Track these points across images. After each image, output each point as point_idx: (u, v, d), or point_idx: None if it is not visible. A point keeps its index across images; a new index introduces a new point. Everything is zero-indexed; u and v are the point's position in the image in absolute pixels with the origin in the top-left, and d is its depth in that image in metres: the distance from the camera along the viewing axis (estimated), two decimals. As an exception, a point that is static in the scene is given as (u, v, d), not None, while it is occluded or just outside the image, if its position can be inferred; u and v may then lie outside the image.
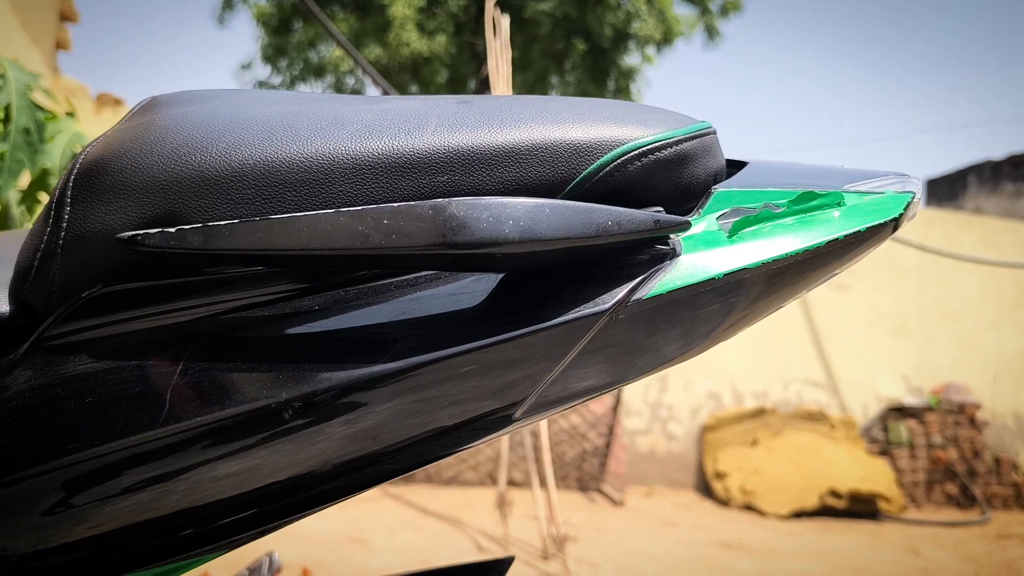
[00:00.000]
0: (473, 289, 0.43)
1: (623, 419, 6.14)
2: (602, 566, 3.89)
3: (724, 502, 5.96)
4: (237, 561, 0.96)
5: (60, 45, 5.29)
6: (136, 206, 0.42)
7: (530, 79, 11.25)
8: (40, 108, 2.12)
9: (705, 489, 6.31)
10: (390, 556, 3.71)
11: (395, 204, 0.39)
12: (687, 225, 0.43)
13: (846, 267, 0.49)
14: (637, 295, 0.42)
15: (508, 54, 4.97)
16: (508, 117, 0.45)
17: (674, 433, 6.45)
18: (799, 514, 5.73)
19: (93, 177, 0.42)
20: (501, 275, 0.44)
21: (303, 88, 13.16)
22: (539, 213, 0.38)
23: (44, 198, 2.40)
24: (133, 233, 0.40)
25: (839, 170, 0.52)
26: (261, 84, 13.14)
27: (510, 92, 4.88)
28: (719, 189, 0.48)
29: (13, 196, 2.42)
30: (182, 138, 0.43)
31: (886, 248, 6.81)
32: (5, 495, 0.42)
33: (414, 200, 0.42)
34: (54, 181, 2.11)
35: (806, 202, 0.47)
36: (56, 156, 2.10)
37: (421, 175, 0.42)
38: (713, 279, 0.43)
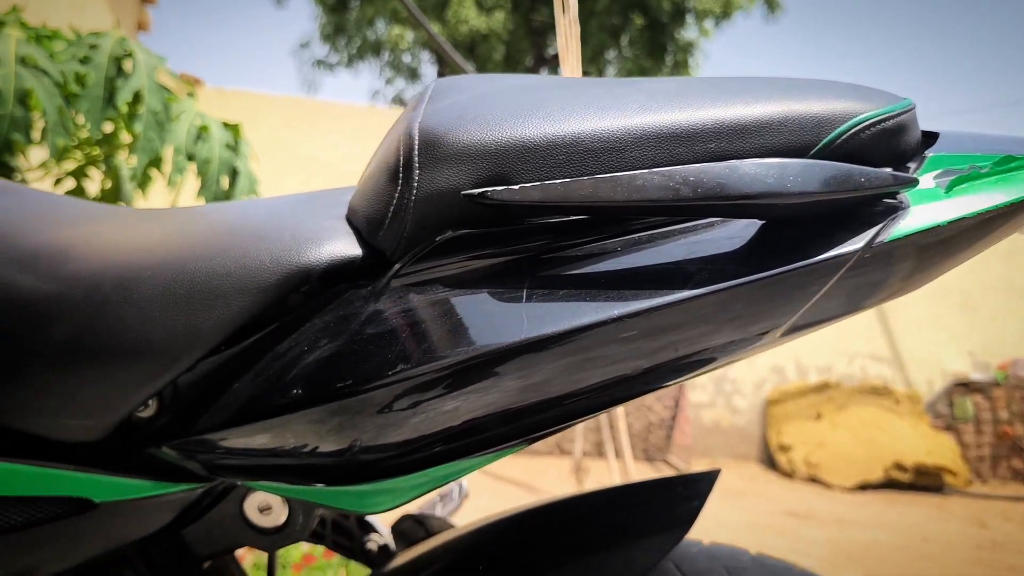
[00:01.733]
0: (744, 234, 0.52)
1: (688, 392, 6.23)
2: (676, 531, 4.00)
3: (788, 474, 6.02)
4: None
5: (141, 26, 5.50)
6: (473, 168, 0.51)
7: (587, 54, 11.25)
8: (166, 89, 2.26)
9: (769, 461, 6.38)
10: (472, 516, 3.86)
11: (697, 164, 0.48)
12: (915, 182, 0.51)
13: None
14: (880, 238, 0.50)
15: (577, 30, 5.03)
16: (759, 93, 0.54)
17: (738, 406, 6.52)
18: (864, 486, 5.78)
19: (435, 147, 0.51)
20: (763, 222, 0.52)
21: (361, 66, 13.32)
22: (811, 170, 0.48)
23: (155, 174, 2.54)
24: (482, 190, 0.49)
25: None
26: (319, 63, 13.34)
27: (579, 69, 4.94)
28: (931, 154, 0.56)
29: (125, 173, 2.58)
30: (503, 113, 0.53)
31: (953, 222, 6.75)
32: (364, 398, 0.51)
33: (689, 163, 0.50)
34: (181, 159, 2.24)
35: (1007, 164, 0.55)
36: (181, 135, 2.22)
37: (695, 142, 0.51)
38: (939, 226, 0.51)
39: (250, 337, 0.54)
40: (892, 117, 0.53)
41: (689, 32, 11.70)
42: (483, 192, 0.49)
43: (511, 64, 12.27)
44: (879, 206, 0.51)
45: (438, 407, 0.52)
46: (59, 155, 2.13)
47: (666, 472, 5.65)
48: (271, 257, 0.54)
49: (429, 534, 0.90)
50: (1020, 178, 0.54)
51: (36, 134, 1.97)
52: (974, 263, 6.98)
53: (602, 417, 4.32)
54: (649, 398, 5.90)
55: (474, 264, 0.52)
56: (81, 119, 2.12)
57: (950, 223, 0.52)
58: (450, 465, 0.56)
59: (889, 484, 5.85)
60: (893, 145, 0.54)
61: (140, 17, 5.28)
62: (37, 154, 2.24)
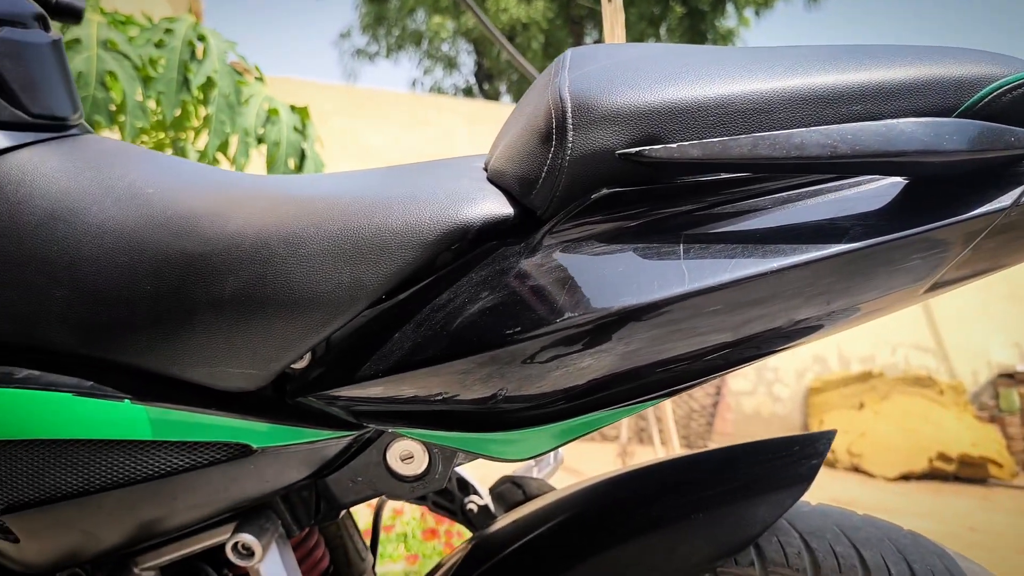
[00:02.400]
0: (890, 192, 0.54)
1: (729, 380, 6.23)
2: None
3: (831, 463, 6.00)
4: None
5: (193, 15, 5.61)
6: (627, 129, 0.53)
7: (627, 41, 11.22)
8: (237, 73, 2.32)
9: (810, 451, 6.36)
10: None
11: (854, 123, 0.50)
12: None
13: None
14: None
15: (622, 17, 5.04)
16: (899, 58, 0.55)
17: (779, 395, 6.52)
18: (907, 477, 5.74)
19: (589, 109, 0.54)
20: (907, 181, 0.54)
21: (400, 55, 13.42)
22: (964, 129, 0.50)
23: (220, 158, 2.61)
24: (638, 148, 0.52)
25: None
26: (360, 52, 13.45)
27: (625, 56, 4.97)
28: None
29: (192, 156, 2.65)
30: (653, 77, 0.55)
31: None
32: (514, 349, 0.54)
33: (832, 123, 0.52)
34: (251, 140, 2.30)
35: None
36: (251, 117, 2.28)
37: (841, 104, 0.53)
38: None
39: (407, 290, 0.58)
40: None
41: (730, 21, 11.63)
42: (640, 151, 0.51)
43: (550, 54, 12.26)
44: (1022, 166, 0.53)
45: (582, 360, 0.55)
46: (135, 136, 2.20)
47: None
48: (431, 215, 0.57)
49: (527, 496, 0.93)
50: None
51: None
52: (1021, 253, 6.89)
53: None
54: (690, 385, 5.94)
55: (628, 221, 0.54)
56: (153, 102, 2.19)
57: None
58: (589, 416, 0.58)
59: (933, 475, 5.80)
60: None
61: (193, 5, 5.38)
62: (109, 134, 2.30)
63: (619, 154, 0.52)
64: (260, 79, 2.45)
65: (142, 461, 0.62)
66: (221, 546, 0.66)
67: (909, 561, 0.67)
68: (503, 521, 0.79)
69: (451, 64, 14.17)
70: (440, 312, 0.56)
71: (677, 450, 3.92)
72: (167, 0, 4.63)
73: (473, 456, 0.65)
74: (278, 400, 0.62)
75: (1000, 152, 0.51)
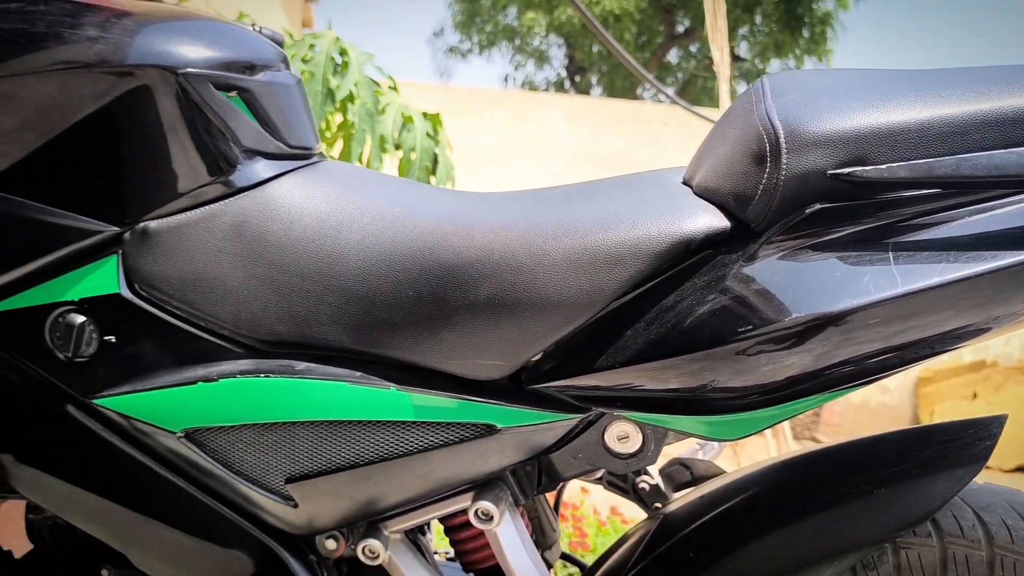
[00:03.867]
0: None
1: (834, 371, 6.16)
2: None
3: (942, 455, 5.87)
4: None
5: (305, 23, 5.85)
6: (836, 151, 0.60)
7: (720, 30, 11.06)
8: (375, 83, 2.46)
9: (920, 443, 6.22)
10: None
11: None
12: None
13: None
14: None
15: (723, 7, 5.04)
16: None
17: (888, 386, 6.39)
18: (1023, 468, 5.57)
19: (800, 134, 0.61)
20: None
21: (494, 51, 13.57)
22: None
23: (356, 162, 2.75)
24: (850, 169, 0.59)
25: None
26: (452, 50, 13.69)
27: (727, 45, 4.95)
28: None
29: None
30: (857, 104, 0.62)
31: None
32: (729, 347, 0.61)
33: (1020, 143, 0.58)
34: (388, 147, 2.43)
35: None
36: (388, 125, 2.43)
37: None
38: None
39: (635, 294, 0.67)
40: None
41: (827, 3, 11.34)
42: (851, 171, 0.59)
43: (640, 43, 12.21)
44: None
45: (788, 358, 0.62)
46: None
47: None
48: (659, 228, 0.66)
49: (694, 476, 0.99)
50: None
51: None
52: None
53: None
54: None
55: (839, 233, 0.61)
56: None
57: None
58: (788, 405, 0.65)
59: (1053, 468, 5.61)
60: None
61: (305, 15, 5.63)
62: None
63: (830, 174, 0.60)
64: (394, 88, 2.59)
65: (404, 439, 0.73)
66: (457, 513, 0.77)
67: None
68: (685, 499, 0.87)
69: (542, 59, 14.27)
70: (667, 313, 0.64)
71: (789, 441, 3.94)
72: (282, 8, 4.86)
73: (683, 436, 0.74)
74: (516, 387, 0.72)
75: None
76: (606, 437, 0.74)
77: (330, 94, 2.21)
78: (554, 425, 0.72)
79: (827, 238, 0.61)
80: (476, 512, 0.74)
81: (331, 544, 0.78)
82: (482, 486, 0.76)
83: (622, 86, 11.89)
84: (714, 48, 4.92)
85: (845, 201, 0.61)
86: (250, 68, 0.79)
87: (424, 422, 0.72)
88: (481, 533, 0.79)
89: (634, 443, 0.73)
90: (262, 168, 0.77)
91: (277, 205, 0.75)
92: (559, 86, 14.81)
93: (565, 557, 1.04)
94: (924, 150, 0.60)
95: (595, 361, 0.67)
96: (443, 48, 14.08)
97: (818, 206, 0.61)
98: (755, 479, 0.82)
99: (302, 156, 0.83)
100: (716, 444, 1.14)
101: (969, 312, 0.60)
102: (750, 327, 0.61)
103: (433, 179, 2.44)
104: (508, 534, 0.75)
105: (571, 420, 0.72)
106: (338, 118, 2.44)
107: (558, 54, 14.33)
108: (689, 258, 0.66)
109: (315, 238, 0.73)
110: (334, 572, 0.81)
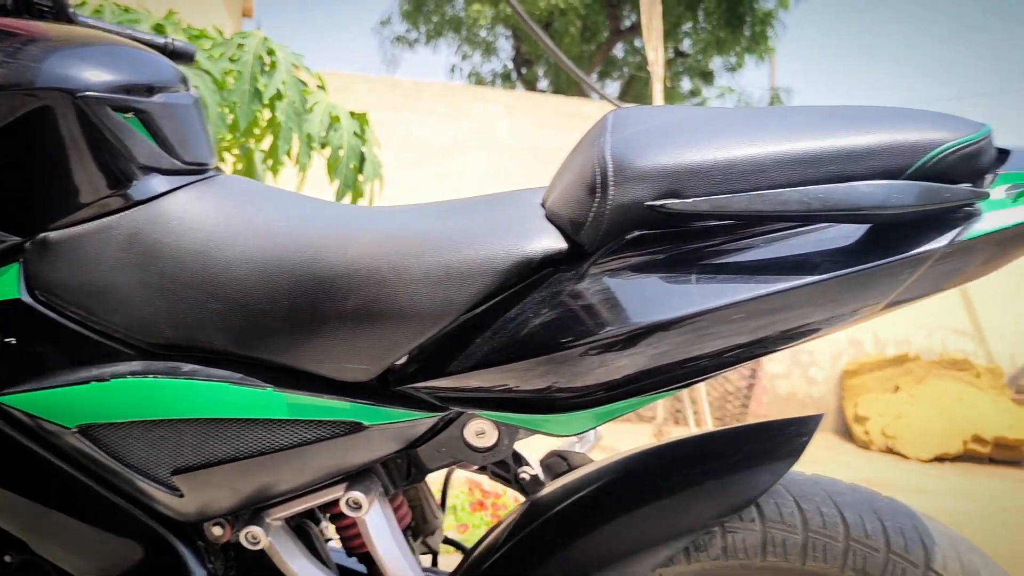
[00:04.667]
0: (856, 233, 0.68)
1: (764, 363, 6.34)
2: (754, 494, 4.16)
3: (865, 445, 6.10)
4: None
5: (245, 13, 5.82)
6: (655, 185, 0.68)
7: (665, 26, 11.20)
8: (302, 83, 2.49)
9: (845, 432, 6.45)
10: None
11: (825, 185, 0.65)
12: (987, 195, 0.66)
13: None
14: (959, 237, 0.65)
15: (659, 8, 5.15)
16: (868, 123, 0.69)
17: (815, 378, 6.60)
18: (942, 458, 5.81)
19: (625, 169, 0.69)
20: (870, 225, 0.67)
21: (439, 42, 13.55)
22: (910, 189, 0.64)
23: (285, 159, 2.78)
24: (662, 202, 0.66)
25: None
26: (399, 39, 13.63)
27: (661, 44, 5.05)
28: (1002, 172, 0.70)
29: (258, 156, 2.83)
30: (675, 144, 0.70)
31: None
32: (566, 353, 0.70)
33: (815, 182, 0.66)
34: (314, 145, 2.47)
35: None
36: (315, 123, 2.46)
37: (820, 165, 0.66)
38: (1006, 228, 0.66)
39: (483, 307, 0.74)
40: (973, 144, 0.68)
41: (768, 2, 11.58)
42: (663, 204, 0.67)
43: (586, 37, 12.31)
44: (960, 213, 0.67)
45: (617, 360, 0.71)
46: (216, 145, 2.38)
47: (743, 440, 5.79)
48: (504, 249, 0.73)
49: (570, 467, 1.06)
50: None
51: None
52: (1062, 237, 6.87)
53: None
54: (726, 368, 6.05)
55: (654, 256, 0.70)
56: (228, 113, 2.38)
57: (1015, 226, 0.68)
58: (624, 402, 0.75)
59: (967, 457, 5.86)
60: (973, 165, 0.69)
61: (246, 4, 5.60)
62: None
63: (647, 205, 0.68)
64: (322, 87, 2.63)
65: (280, 435, 0.79)
66: (334, 501, 0.83)
67: (883, 520, 0.82)
68: (550, 487, 0.94)
69: (489, 50, 14.29)
70: (510, 324, 0.72)
71: (710, 428, 4.09)
72: (223, 4, 4.84)
73: (531, 432, 0.82)
74: (383, 388, 0.79)
75: (937, 205, 0.65)
76: (465, 433, 0.81)
77: (257, 93, 2.25)
78: (417, 423, 0.79)
79: (644, 260, 0.70)
80: (347, 501, 0.81)
81: (217, 531, 0.85)
82: (354, 478, 0.83)
83: (568, 79, 11.99)
84: (648, 48, 5.02)
85: (660, 229, 0.70)
86: (148, 90, 0.85)
87: (298, 420, 0.79)
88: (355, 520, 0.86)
89: (490, 438, 0.81)
90: (157, 183, 0.83)
91: (169, 218, 0.81)
92: (506, 78, 14.86)
93: (448, 541, 1.12)
94: (729, 185, 0.67)
95: (450, 366, 0.74)
96: (390, 37, 13.98)
97: (637, 233, 0.70)
98: (610, 469, 0.90)
99: (197, 171, 0.89)
100: (592, 437, 1.22)
101: (761, 326, 0.69)
102: (581, 336, 0.70)
103: (361, 177, 2.49)
104: (376, 521, 0.83)
105: (433, 418, 0.80)
106: (268, 114, 2.46)
107: (506, 46, 14.38)
108: (531, 275, 0.73)
109: (203, 249, 0.79)
110: (221, 556, 0.88)
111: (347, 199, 2.55)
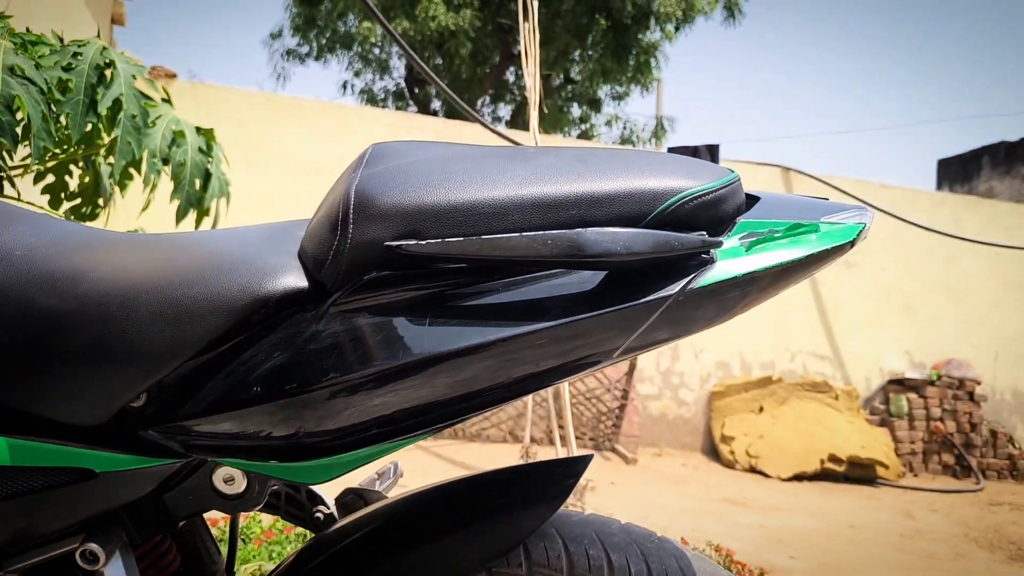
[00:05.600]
0: (593, 279, 0.68)
1: (636, 385, 6.49)
2: (617, 514, 4.22)
3: (730, 464, 6.31)
4: (368, 469, 1.17)
5: (116, 20, 5.59)
6: (394, 225, 0.66)
7: (552, 54, 11.42)
8: (144, 96, 2.41)
9: (712, 452, 6.66)
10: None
11: (555, 231, 0.64)
12: (720, 244, 0.67)
13: (818, 271, 0.73)
14: (691, 285, 0.66)
15: (537, 37, 5.24)
16: (612, 168, 0.70)
17: (684, 399, 6.80)
18: (800, 477, 6.07)
19: (366, 208, 0.67)
20: (606, 271, 0.68)
21: (331, 58, 13.38)
22: (638, 237, 0.64)
23: (133, 174, 2.68)
24: (399, 242, 0.64)
25: (821, 204, 0.76)
26: (289, 52, 13.39)
27: (538, 72, 5.15)
28: (741, 220, 0.72)
29: (104, 170, 2.73)
30: (418, 183, 0.68)
31: (894, 229, 7.09)
32: (306, 397, 0.67)
33: (558, 226, 0.66)
34: (155, 162, 2.39)
35: (795, 230, 0.71)
36: (157, 139, 2.38)
37: (560, 210, 0.67)
38: (736, 277, 0.67)
39: (221, 347, 0.70)
40: (713, 192, 0.69)
41: (653, 34, 11.95)
42: (400, 244, 0.65)
43: (478, 60, 12.41)
44: (695, 260, 0.67)
45: (362, 404, 0.68)
46: (42, 156, 2.28)
47: (611, 459, 5.90)
48: (239, 287, 0.70)
49: (367, 505, 1.04)
50: (803, 241, 0.70)
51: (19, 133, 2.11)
52: (917, 268, 7.34)
53: (551, 406, 4.56)
54: (599, 390, 6.16)
55: (392, 297, 0.68)
56: (63, 122, 2.27)
57: (745, 275, 0.67)
58: (374, 447, 0.71)
59: (824, 476, 6.15)
60: (712, 213, 0.70)
61: (115, 11, 5.38)
62: (19, 151, 2.37)
63: (386, 245, 0.66)
64: (168, 101, 2.55)
65: (4, 483, 0.73)
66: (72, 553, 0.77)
67: (648, 562, 0.82)
68: (337, 525, 0.92)
69: (382, 68, 14.21)
70: (244, 366, 0.69)
71: (574, 450, 4.14)
72: (86, 5, 4.64)
73: (283, 480, 0.78)
74: (120, 433, 0.74)
75: (667, 254, 0.65)
76: (214, 479, 0.77)
77: (93, 105, 2.16)
78: (156, 469, 0.75)
79: (382, 302, 0.68)
80: (82, 553, 0.75)
81: None
82: (93, 528, 0.77)
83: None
84: (526, 75, 5.11)
85: (399, 270, 0.68)
86: None
87: (26, 467, 0.73)
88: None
89: (240, 485, 0.77)
90: None
91: None
92: (399, 96, 14.80)
93: None
94: (469, 228, 0.65)
95: (186, 409, 0.70)
96: (280, 51, 13.72)
97: (375, 273, 0.67)
98: (387, 511, 0.88)
99: None
100: (391, 474, 1.20)
101: (494, 370, 0.68)
102: (318, 379, 0.67)
103: (206, 195, 2.42)
104: (115, 575, 0.76)
105: (174, 464, 0.75)
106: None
107: (399, 64, 14.34)
108: (272, 314, 0.70)
109: None
110: None
111: (191, 217, 2.48)
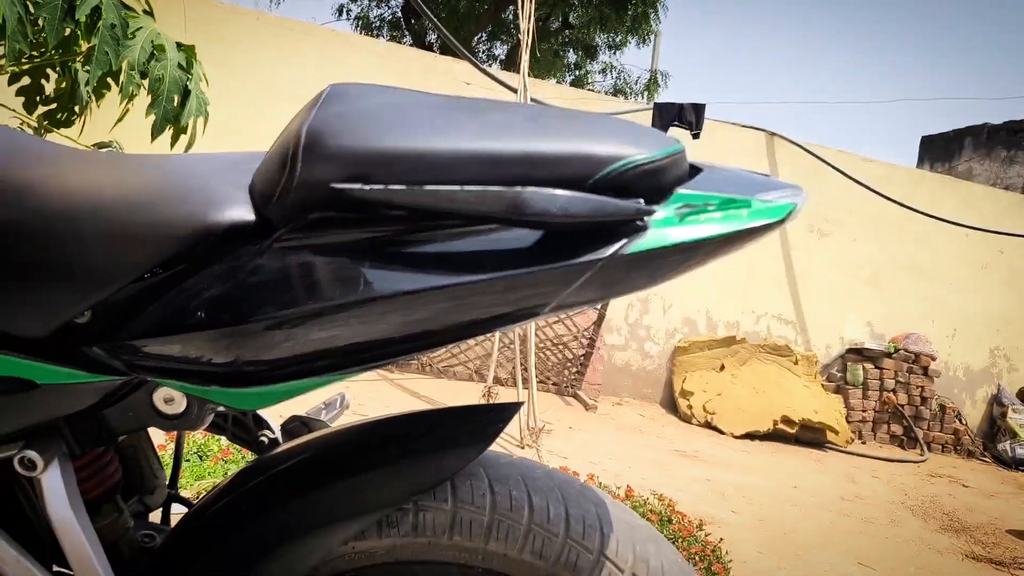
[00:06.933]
0: (530, 236, 0.68)
1: (604, 335, 6.59)
2: (571, 458, 4.36)
3: (687, 418, 6.46)
4: (317, 398, 1.24)
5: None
6: (341, 168, 0.66)
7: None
8: (125, 6, 2.39)
9: (671, 405, 6.81)
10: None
11: (496, 188, 0.64)
12: (652, 212, 0.69)
13: (748, 245, 0.74)
14: (623, 251, 0.67)
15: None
16: (561, 130, 0.71)
17: (649, 352, 6.91)
18: (752, 436, 6.22)
19: (315, 148, 0.67)
20: (543, 230, 0.69)
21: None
22: (574, 200, 0.65)
23: (113, 85, 2.66)
24: (344, 185, 0.65)
25: (759, 180, 0.76)
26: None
27: (533, 15, 5.10)
28: (679, 191, 0.72)
29: (81, 78, 2.71)
30: (370, 129, 0.69)
31: (871, 202, 7.17)
32: (244, 327, 0.69)
33: (501, 182, 0.66)
34: (134, 75, 2.38)
35: (728, 206, 0.72)
36: (136, 51, 2.36)
37: (503, 167, 0.67)
38: (667, 247, 0.68)
39: (166, 272, 0.72)
40: (655, 161, 0.70)
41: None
42: (345, 188, 0.66)
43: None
44: (629, 226, 0.69)
45: (299, 337, 0.70)
46: (16, 58, 2.26)
47: (572, 404, 6.03)
48: (186, 215, 0.71)
49: (310, 432, 1.07)
50: (734, 217, 0.72)
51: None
52: (889, 243, 7.45)
53: (517, 349, 4.65)
54: (567, 337, 6.25)
55: (335, 238, 0.69)
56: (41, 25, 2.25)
57: (674, 245, 0.69)
58: (311, 379, 0.74)
59: (776, 436, 6.30)
60: (652, 181, 0.71)
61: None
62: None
63: (331, 187, 0.67)
64: (150, 13, 2.53)
65: None
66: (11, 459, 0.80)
67: (568, 506, 0.85)
68: (278, 450, 0.95)
69: (379, -6, 13.91)
70: (187, 293, 0.71)
71: (535, 393, 4.24)
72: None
73: (219, 404, 0.81)
74: (65, 347, 0.74)
75: (601, 219, 0.68)
76: (154, 398, 0.79)
77: (71, 11, 2.14)
78: (98, 385, 0.77)
79: (324, 242, 0.69)
80: (21, 460, 0.77)
81: None
82: (34, 437, 0.79)
83: (456, 34, 11.85)
84: (522, 16, 5.06)
85: (344, 212, 0.69)
86: None
87: None
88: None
89: (179, 406, 0.79)
90: None
91: None
92: (394, 26, 14.54)
93: (173, 498, 1.11)
94: (416, 176, 0.66)
95: (127, 330, 0.73)
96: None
97: (320, 213, 0.69)
98: (326, 441, 0.92)
99: None
100: (338, 405, 1.24)
101: (427, 318, 0.70)
102: (256, 310, 0.69)
103: (183, 112, 2.43)
104: (52, 483, 0.78)
105: (115, 381, 0.77)
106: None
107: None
108: (216, 245, 0.71)
109: None
110: None
111: (167, 134, 2.49)
